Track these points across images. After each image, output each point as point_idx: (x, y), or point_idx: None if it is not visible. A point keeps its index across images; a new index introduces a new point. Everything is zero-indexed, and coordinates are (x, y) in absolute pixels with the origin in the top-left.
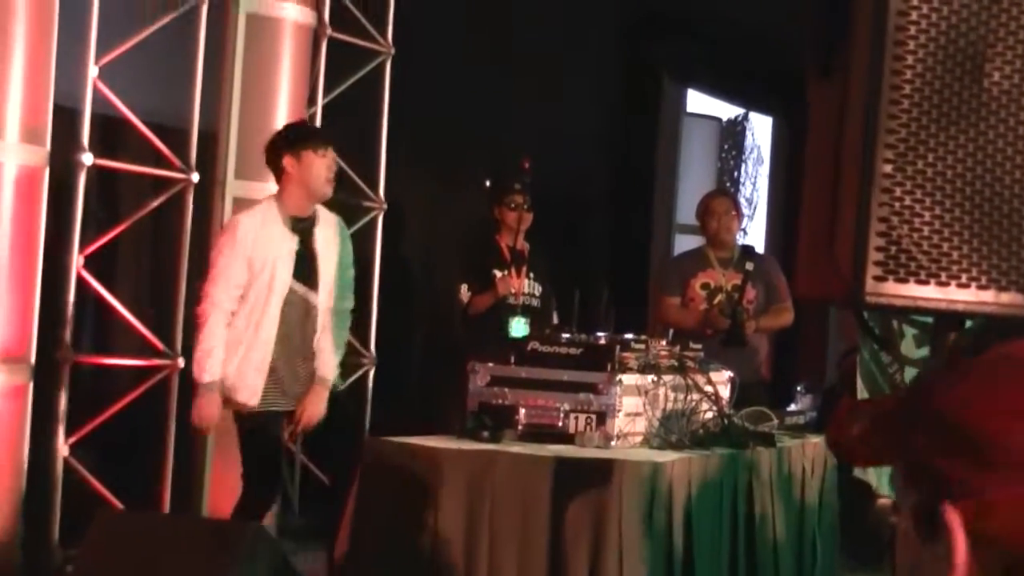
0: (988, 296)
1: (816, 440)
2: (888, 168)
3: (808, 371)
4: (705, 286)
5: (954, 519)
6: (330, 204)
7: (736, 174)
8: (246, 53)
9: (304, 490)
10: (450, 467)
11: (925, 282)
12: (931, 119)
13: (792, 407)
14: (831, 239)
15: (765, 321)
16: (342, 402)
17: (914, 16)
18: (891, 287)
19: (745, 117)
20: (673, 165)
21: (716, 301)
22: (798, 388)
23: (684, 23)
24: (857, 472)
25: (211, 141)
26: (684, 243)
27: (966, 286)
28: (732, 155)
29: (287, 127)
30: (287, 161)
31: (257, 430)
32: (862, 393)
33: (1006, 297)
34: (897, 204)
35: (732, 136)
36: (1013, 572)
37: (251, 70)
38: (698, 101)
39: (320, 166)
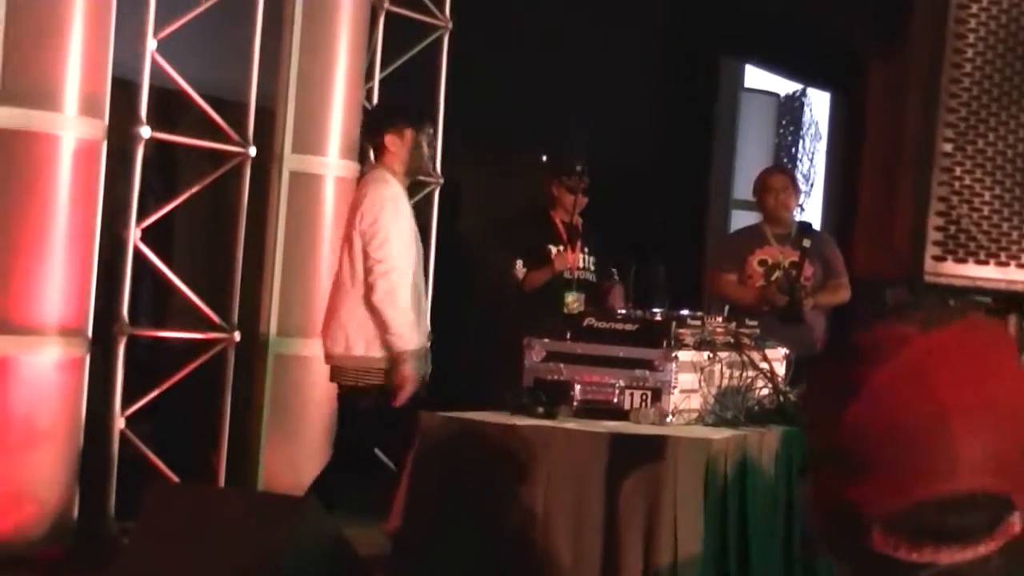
0: None
1: None
2: (948, 147)
3: None
4: (763, 263)
5: (809, 491)
6: None
7: (793, 150)
8: (304, 27)
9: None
10: (505, 443)
11: (984, 262)
12: (992, 98)
13: None
14: (890, 218)
15: (822, 298)
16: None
17: None
18: (950, 267)
19: (803, 93)
20: (730, 141)
21: (774, 278)
22: None
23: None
24: None
25: (269, 115)
26: (741, 219)
27: None
28: (790, 131)
29: (383, 109)
30: (389, 139)
31: (388, 405)
32: None
33: None
34: (957, 183)
35: (790, 112)
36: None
37: (309, 44)
38: (756, 76)
39: (424, 144)
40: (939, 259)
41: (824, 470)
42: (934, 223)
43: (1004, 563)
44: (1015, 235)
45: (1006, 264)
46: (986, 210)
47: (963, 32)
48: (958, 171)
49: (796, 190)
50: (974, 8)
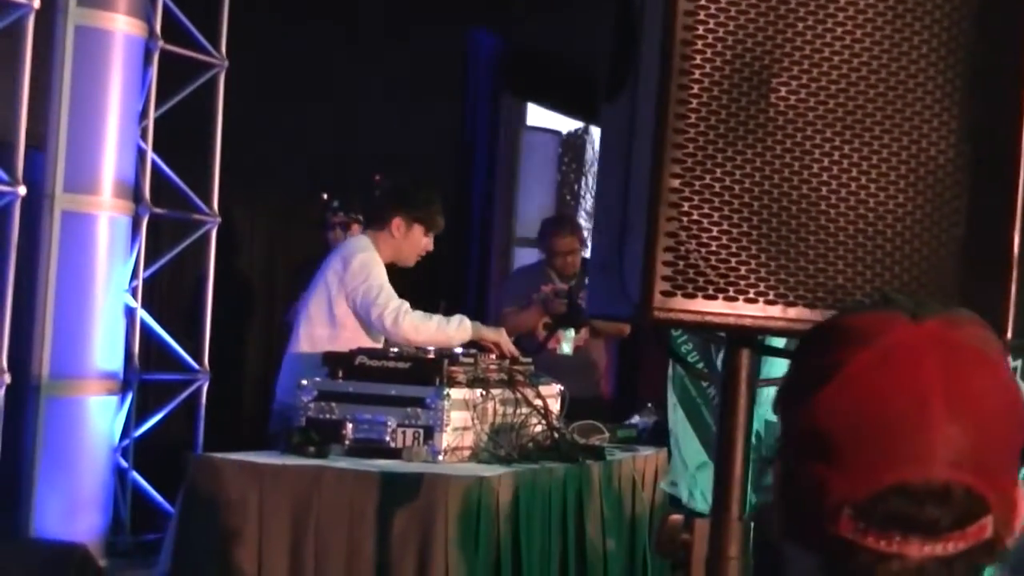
0: (776, 311)
1: (648, 453)
2: (676, 183)
3: (651, 386)
4: None
5: (775, 474)
6: (162, 218)
7: (576, 187)
8: (75, 65)
9: (136, 509)
10: (274, 483)
11: (713, 297)
12: (718, 134)
13: (635, 419)
14: (621, 256)
15: (605, 325)
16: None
17: (701, 31)
18: (679, 302)
19: (585, 130)
20: (513, 179)
21: (551, 288)
22: (649, 404)
23: (524, 39)
24: (663, 484)
25: (39, 154)
26: (524, 256)
27: (754, 301)
28: (572, 168)
29: None
30: None
31: None
32: (673, 404)
33: (793, 312)
34: (685, 219)
35: (572, 149)
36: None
37: (80, 82)
38: (537, 115)
39: None
40: (668, 294)
41: (794, 453)
42: (663, 258)
43: (968, 567)
44: (743, 270)
45: (735, 299)
46: (714, 245)
47: (688, 68)
48: (686, 207)
49: (583, 246)
50: (699, 44)
